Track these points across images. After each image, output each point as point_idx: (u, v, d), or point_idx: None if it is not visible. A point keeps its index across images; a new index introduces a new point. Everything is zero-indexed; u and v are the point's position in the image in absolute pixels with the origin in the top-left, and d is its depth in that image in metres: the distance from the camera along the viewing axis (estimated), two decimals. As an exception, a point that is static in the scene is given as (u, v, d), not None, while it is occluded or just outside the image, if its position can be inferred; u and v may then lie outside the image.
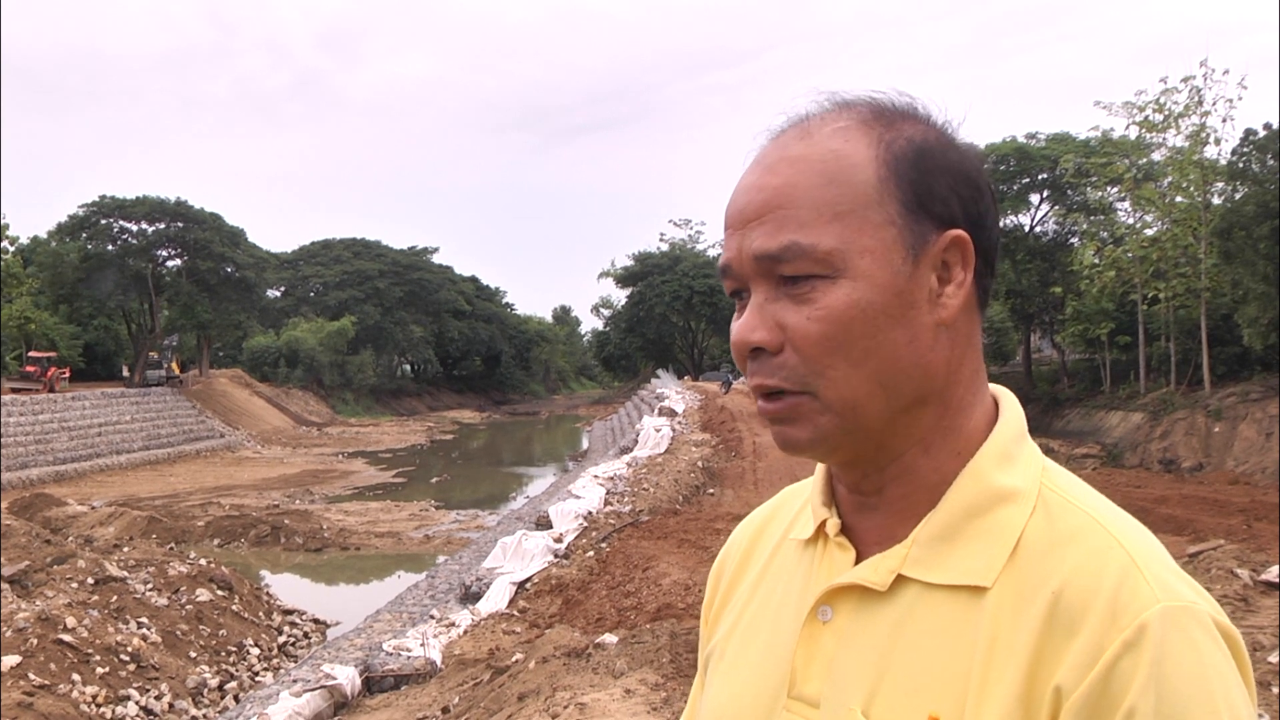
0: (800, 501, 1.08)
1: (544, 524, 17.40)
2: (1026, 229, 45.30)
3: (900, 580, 0.89)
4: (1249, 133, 28.90)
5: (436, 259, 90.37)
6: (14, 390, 41.14)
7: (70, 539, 17.68)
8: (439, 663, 10.54)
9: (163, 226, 55.31)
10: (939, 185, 0.90)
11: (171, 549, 16.91)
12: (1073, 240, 43.07)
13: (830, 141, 0.90)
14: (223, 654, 12.26)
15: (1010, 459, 0.91)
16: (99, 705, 9.83)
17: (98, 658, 10.43)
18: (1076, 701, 0.78)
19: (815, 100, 0.94)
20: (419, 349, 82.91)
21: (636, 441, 29.86)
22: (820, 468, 1.03)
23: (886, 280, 0.87)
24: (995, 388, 0.97)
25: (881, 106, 0.93)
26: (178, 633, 12.08)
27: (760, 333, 0.88)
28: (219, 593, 13.62)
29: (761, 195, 0.89)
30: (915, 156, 0.90)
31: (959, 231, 0.89)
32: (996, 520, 0.87)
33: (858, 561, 0.94)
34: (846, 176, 0.88)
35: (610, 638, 8.53)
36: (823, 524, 0.98)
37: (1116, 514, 0.87)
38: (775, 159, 0.91)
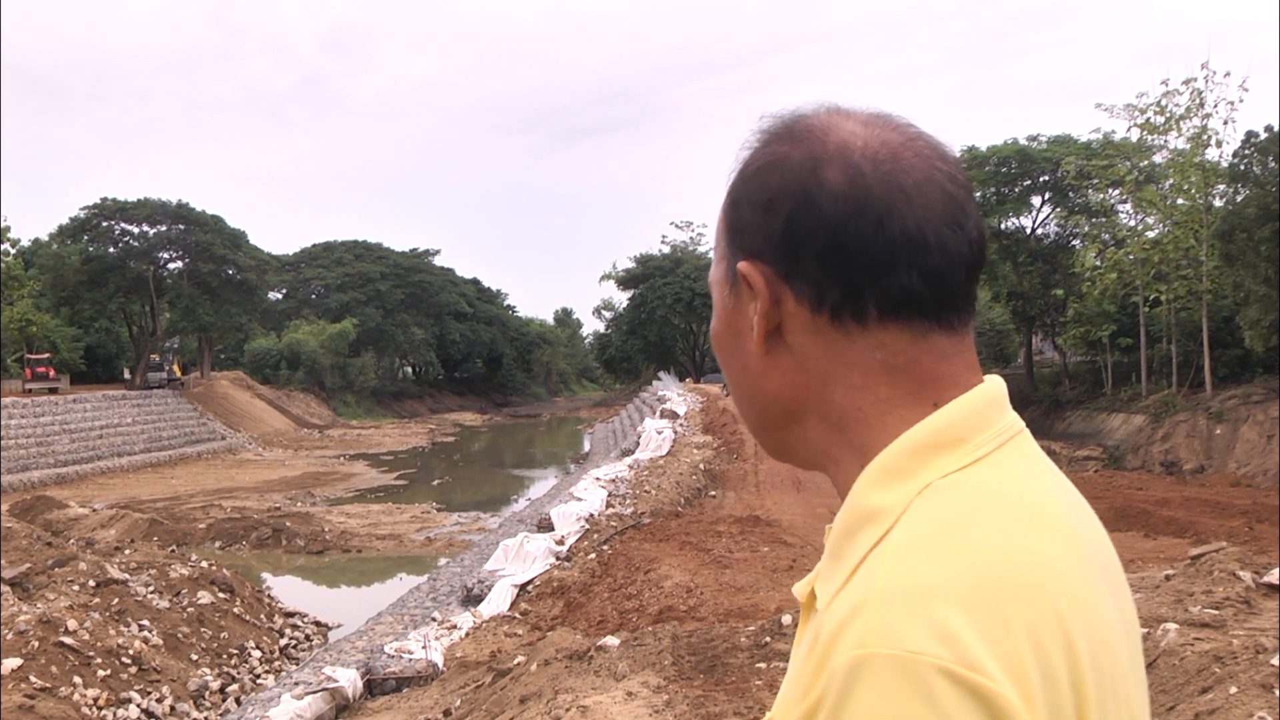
0: None
1: (546, 526, 17.41)
2: (1028, 231, 45.29)
3: (813, 595, 0.84)
4: (1250, 135, 28.94)
5: (438, 261, 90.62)
6: (34, 392, 41.75)
7: (71, 541, 17.68)
8: (441, 665, 10.55)
9: (164, 229, 55.31)
10: (744, 213, 0.87)
11: (173, 551, 16.90)
12: (1074, 242, 43.10)
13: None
14: (224, 656, 12.26)
15: (896, 474, 0.82)
16: (100, 708, 9.83)
17: (99, 660, 10.43)
18: None
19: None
20: (420, 351, 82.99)
21: (638, 444, 29.88)
22: None
23: (722, 312, 0.91)
24: (978, 388, 0.85)
25: (763, 130, 0.88)
26: (179, 635, 12.08)
27: None
28: (220, 595, 13.62)
29: None
30: (733, 186, 0.89)
31: (741, 263, 0.86)
32: (859, 541, 0.80)
33: None
34: (722, 211, 0.91)
35: (612, 640, 8.51)
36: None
37: (928, 540, 0.76)
38: None
